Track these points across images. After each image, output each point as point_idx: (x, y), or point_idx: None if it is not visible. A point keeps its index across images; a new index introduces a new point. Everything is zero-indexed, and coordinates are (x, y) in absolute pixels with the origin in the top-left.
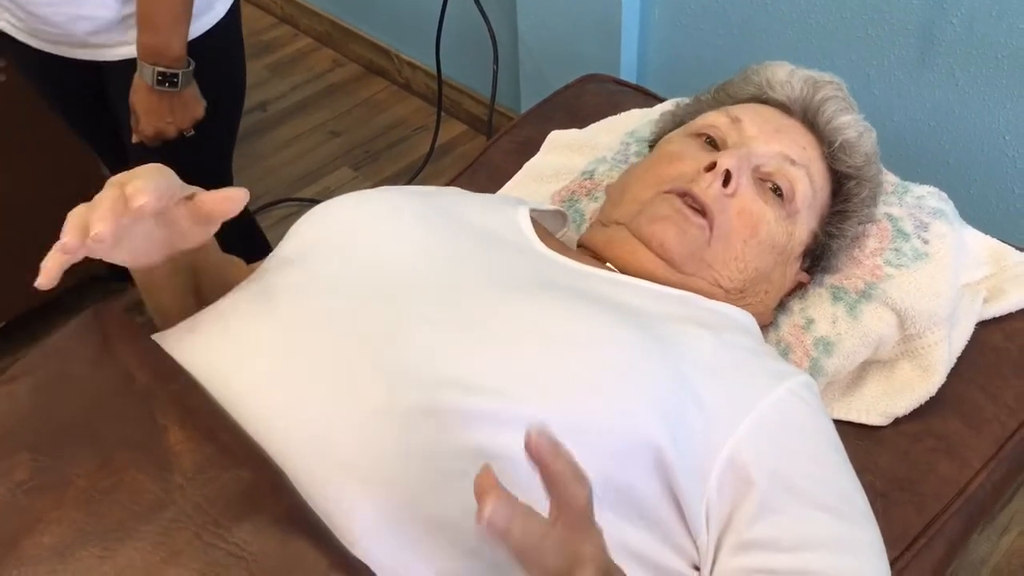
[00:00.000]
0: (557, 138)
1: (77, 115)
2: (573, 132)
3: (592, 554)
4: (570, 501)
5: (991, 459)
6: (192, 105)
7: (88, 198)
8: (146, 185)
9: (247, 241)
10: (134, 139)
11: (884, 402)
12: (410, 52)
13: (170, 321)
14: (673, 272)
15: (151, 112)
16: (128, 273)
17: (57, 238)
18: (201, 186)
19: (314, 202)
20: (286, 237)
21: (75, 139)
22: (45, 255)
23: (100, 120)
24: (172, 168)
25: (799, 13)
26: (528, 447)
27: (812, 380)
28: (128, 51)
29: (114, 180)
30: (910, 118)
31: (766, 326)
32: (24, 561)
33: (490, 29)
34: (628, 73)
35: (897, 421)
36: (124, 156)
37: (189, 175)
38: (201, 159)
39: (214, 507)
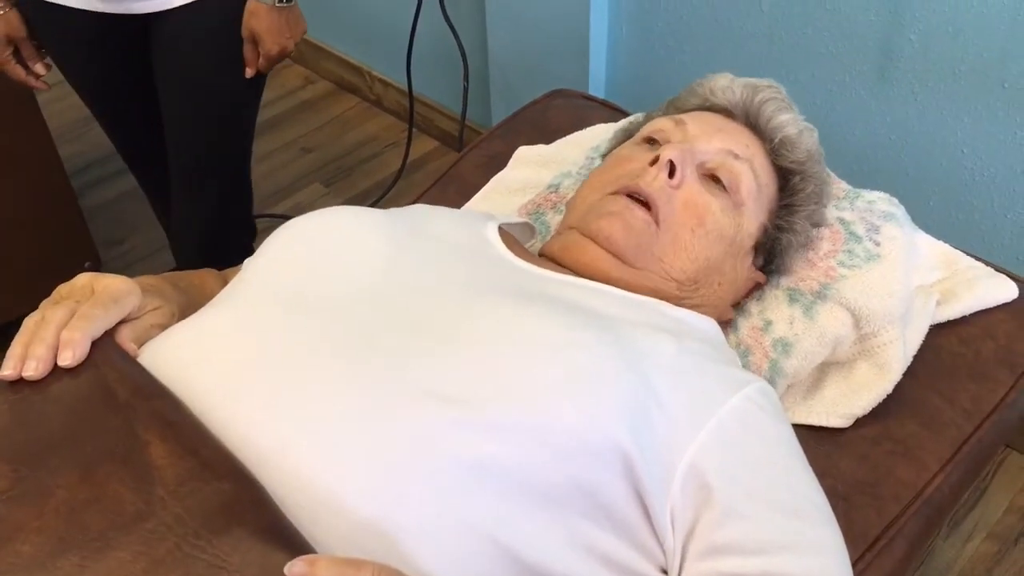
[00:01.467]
0: (524, 153)
1: (115, 81)
2: (540, 147)
3: None
4: None
5: (948, 462)
6: (301, 18)
7: (61, 213)
8: (82, 336)
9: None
10: (248, 73)
11: (844, 403)
12: (381, 69)
13: None
14: (625, 269)
15: (274, 30)
16: None
17: (28, 254)
18: (223, 158)
19: (286, 218)
20: (256, 253)
21: (41, 160)
22: (9, 279)
23: (140, 85)
24: (201, 138)
25: (763, 30)
26: None
27: (769, 386)
28: None
29: (59, 300)
30: (871, 132)
31: (726, 324)
32: (2, 570)
33: (460, 46)
34: (596, 88)
35: (856, 425)
36: (159, 127)
37: (216, 151)
38: (230, 129)
39: (195, 519)
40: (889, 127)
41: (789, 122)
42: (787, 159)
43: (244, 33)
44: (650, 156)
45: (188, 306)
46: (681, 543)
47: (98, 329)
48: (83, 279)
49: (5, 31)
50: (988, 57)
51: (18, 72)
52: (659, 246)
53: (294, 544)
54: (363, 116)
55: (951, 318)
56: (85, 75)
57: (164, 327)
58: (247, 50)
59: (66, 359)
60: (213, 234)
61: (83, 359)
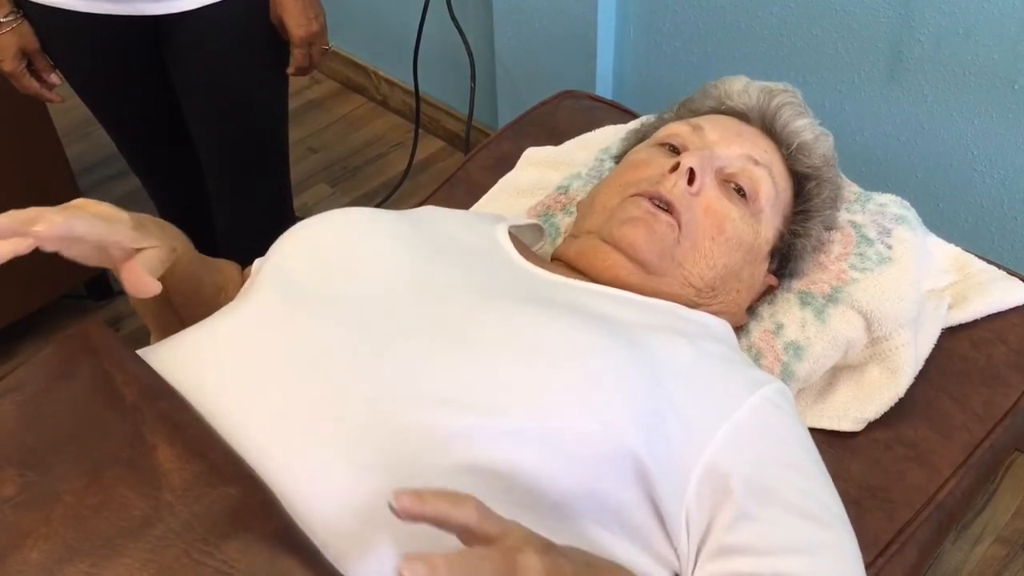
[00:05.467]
0: (532, 154)
1: (124, 88)
2: (548, 148)
3: (527, 549)
4: (468, 523)
5: (960, 466)
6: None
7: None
8: (63, 220)
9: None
10: (291, 70)
11: (855, 407)
12: (388, 69)
13: (148, 320)
14: (646, 276)
15: (301, 15)
16: (103, 292)
17: (32, 254)
18: (263, 158)
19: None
20: (268, 254)
21: (48, 160)
22: (11, 279)
23: (149, 92)
24: (240, 142)
25: (772, 31)
26: (399, 516)
27: (786, 387)
28: None
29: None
30: (880, 133)
31: (739, 328)
32: None
33: (467, 46)
34: (604, 90)
35: (868, 429)
36: (168, 133)
37: (255, 151)
38: (268, 128)
39: (203, 524)
40: (899, 128)
41: (805, 127)
42: (803, 164)
43: (273, 20)
44: (668, 162)
45: (201, 268)
46: (695, 546)
47: (82, 228)
48: (75, 201)
49: (19, 44)
50: (999, 58)
51: (32, 85)
52: (680, 251)
53: (302, 548)
54: (369, 116)
55: (963, 322)
56: (93, 83)
57: (166, 263)
58: (281, 31)
59: (40, 228)
60: (264, 235)
61: (53, 237)
